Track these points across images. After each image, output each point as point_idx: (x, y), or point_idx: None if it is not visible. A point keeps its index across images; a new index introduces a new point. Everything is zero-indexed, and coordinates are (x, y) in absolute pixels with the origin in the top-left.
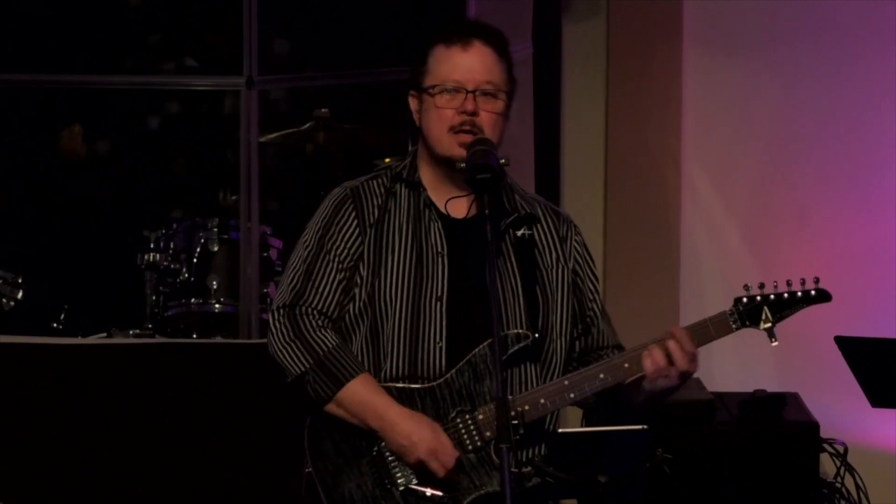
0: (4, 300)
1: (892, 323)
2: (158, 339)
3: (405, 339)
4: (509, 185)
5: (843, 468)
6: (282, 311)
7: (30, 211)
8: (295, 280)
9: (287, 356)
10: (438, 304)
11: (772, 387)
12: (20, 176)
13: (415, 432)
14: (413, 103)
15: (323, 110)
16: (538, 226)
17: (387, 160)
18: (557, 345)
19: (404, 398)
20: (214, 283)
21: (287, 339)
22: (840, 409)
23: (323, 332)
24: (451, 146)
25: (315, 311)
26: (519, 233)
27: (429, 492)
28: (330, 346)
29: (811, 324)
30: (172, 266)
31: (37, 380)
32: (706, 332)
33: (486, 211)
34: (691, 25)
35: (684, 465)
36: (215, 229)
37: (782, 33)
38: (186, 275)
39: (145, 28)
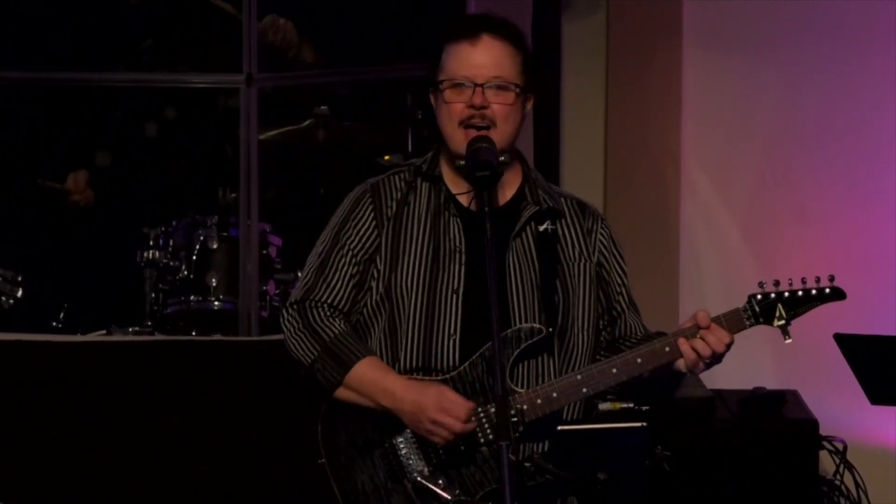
0: (4, 298)
1: (892, 321)
2: (158, 337)
3: (420, 331)
4: (534, 179)
5: (842, 466)
6: (293, 306)
7: (30, 210)
8: (308, 276)
9: (298, 348)
10: (454, 297)
11: (771, 384)
12: (19, 175)
13: (420, 397)
14: (432, 100)
15: (322, 108)
16: (562, 220)
17: (386, 157)
18: (579, 338)
19: None
20: (214, 280)
21: (297, 332)
22: (839, 406)
23: (330, 320)
24: (462, 142)
25: (324, 305)
26: (542, 227)
27: (441, 482)
28: (336, 332)
29: (811, 321)
30: (172, 263)
31: (36, 378)
32: None
33: (486, 208)
34: (691, 25)
35: (684, 462)
36: (215, 226)
37: (782, 32)
38: (186, 272)
39: (145, 27)
